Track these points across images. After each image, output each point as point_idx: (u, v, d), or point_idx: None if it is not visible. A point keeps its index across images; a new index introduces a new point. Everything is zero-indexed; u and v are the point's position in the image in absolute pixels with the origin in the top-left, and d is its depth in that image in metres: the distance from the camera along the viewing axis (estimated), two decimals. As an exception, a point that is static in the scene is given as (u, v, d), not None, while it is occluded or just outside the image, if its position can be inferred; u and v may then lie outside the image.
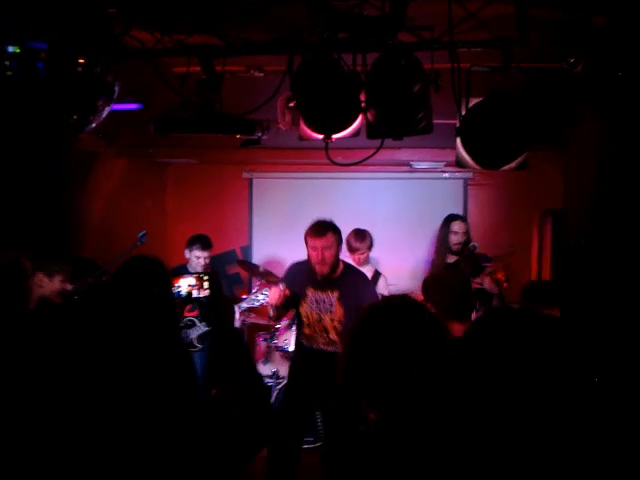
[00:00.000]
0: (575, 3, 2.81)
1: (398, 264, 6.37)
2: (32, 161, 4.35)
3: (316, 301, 4.17)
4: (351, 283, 4.15)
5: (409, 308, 1.70)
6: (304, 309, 4.21)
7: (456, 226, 5.30)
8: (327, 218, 4.17)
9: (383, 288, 5.44)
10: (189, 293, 3.25)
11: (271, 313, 4.25)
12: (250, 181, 7.14)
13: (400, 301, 1.76)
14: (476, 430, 1.49)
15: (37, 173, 4.46)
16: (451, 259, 5.34)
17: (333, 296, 4.12)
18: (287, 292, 4.12)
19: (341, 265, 4.21)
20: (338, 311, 4.10)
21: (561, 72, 3.06)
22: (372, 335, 1.64)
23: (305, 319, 4.22)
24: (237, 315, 5.08)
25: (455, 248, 5.25)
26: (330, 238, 4.02)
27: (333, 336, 4.12)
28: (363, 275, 4.38)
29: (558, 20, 2.93)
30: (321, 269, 4.03)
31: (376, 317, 1.69)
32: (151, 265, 2.51)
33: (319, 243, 3.99)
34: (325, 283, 4.13)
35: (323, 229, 4.03)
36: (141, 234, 4.85)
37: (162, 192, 7.27)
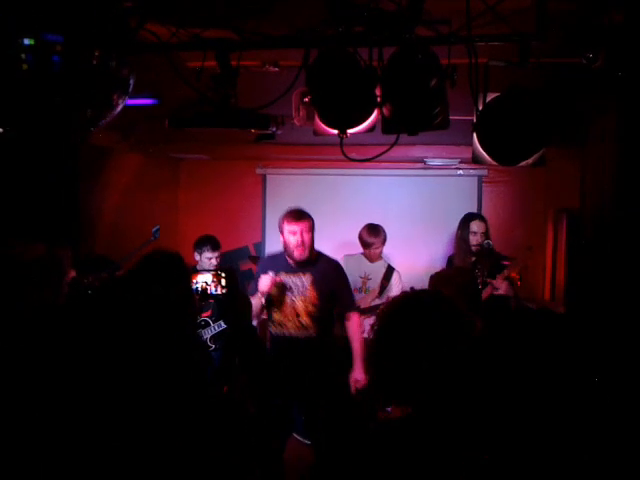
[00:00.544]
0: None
1: (411, 261, 6.34)
2: (47, 155, 4.36)
3: (289, 285, 4.26)
4: (325, 269, 4.32)
5: (440, 301, 1.67)
6: (275, 294, 4.26)
7: (475, 226, 5.22)
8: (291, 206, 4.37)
9: (396, 284, 5.42)
10: (204, 290, 3.24)
11: (262, 301, 4.22)
12: (264, 177, 7.13)
13: (430, 294, 1.73)
14: (499, 426, 1.47)
15: (51, 168, 4.47)
16: (471, 259, 5.28)
17: (307, 279, 4.25)
18: (278, 279, 4.21)
19: (315, 252, 4.34)
20: (311, 294, 4.22)
21: (580, 67, 3.02)
22: (402, 329, 1.60)
23: (277, 303, 4.28)
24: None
25: (474, 249, 5.18)
26: (308, 222, 4.21)
27: (305, 319, 4.22)
28: (337, 263, 4.50)
29: (577, 14, 2.89)
30: (300, 253, 4.17)
31: (406, 310, 1.65)
32: (170, 260, 2.50)
33: (298, 226, 4.16)
34: (299, 267, 4.26)
35: (300, 214, 4.24)
36: (155, 229, 4.86)
37: (175, 188, 7.28)
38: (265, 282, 4.17)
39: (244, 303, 2.83)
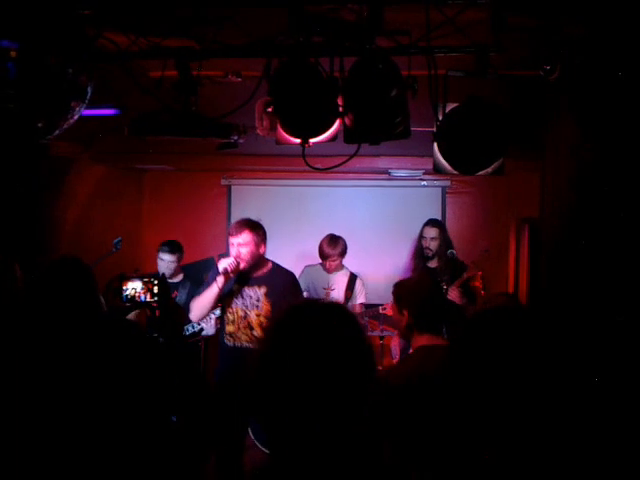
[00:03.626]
0: (551, 11, 2.83)
1: (376, 271, 6.37)
2: (4, 166, 4.28)
3: (242, 296, 4.20)
4: (280, 281, 4.23)
5: (329, 310, 1.50)
6: (229, 304, 4.22)
7: (426, 231, 5.33)
8: (254, 218, 4.30)
9: (360, 292, 5.44)
10: (133, 297, 3.18)
11: (219, 284, 4.08)
12: (228, 188, 7.11)
13: (319, 303, 1.56)
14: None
15: (10, 178, 4.39)
16: (432, 264, 5.35)
17: (260, 291, 4.18)
18: (241, 266, 4.11)
19: (269, 264, 4.30)
20: (265, 306, 4.16)
21: (538, 79, 3.08)
22: (288, 336, 1.43)
23: (230, 315, 4.23)
24: (212, 321, 5.03)
25: (425, 253, 5.27)
26: (246, 235, 4.12)
27: (258, 332, 4.13)
28: (293, 276, 4.44)
29: (535, 27, 2.95)
30: (235, 266, 4.07)
31: (293, 318, 1.49)
32: (71, 267, 2.46)
33: (234, 239, 4.12)
34: (252, 280, 4.20)
35: (239, 227, 4.16)
36: (116, 240, 4.82)
37: (139, 199, 7.21)
38: (227, 261, 4.07)
39: (176, 313, 2.78)
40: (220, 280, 4.08)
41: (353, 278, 5.47)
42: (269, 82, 2.92)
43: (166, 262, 5.05)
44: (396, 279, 6.45)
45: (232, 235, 4.15)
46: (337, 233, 5.48)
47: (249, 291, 4.20)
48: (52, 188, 5.27)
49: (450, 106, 2.97)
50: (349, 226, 6.16)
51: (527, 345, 1.67)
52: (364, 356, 1.43)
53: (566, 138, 3.30)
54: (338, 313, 1.48)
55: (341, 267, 5.48)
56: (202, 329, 5.04)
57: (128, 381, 1.93)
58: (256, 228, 4.20)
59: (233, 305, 4.22)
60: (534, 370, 1.62)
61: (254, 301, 4.19)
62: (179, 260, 5.19)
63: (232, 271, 4.07)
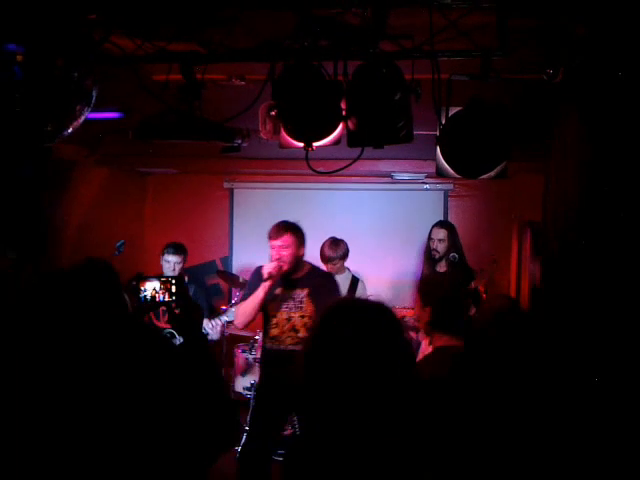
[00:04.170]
0: (556, 13, 2.84)
1: (379, 275, 6.37)
2: (9, 168, 4.29)
3: (285, 299, 4.22)
4: (320, 282, 4.27)
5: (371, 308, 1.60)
6: (272, 308, 4.23)
7: (434, 232, 5.35)
8: (293, 220, 4.30)
9: (361, 294, 5.43)
10: (153, 297, 3.18)
11: (265, 289, 4.11)
12: (231, 191, 7.12)
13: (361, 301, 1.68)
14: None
15: (15, 181, 4.41)
16: (441, 268, 5.36)
17: (303, 293, 4.21)
18: (283, 269, 4.13)
19: (308, 265, 4.34)
20: (308, 307, 4.18)
21: (542, 82, 3.08)
22: (331, 336, 1.52)
23: (273, 319, 4.24)
24: (219, 327, 5.04)
25: (432, 254, 5.29)
26: (286, 238, 4.14)
27: (303, 334, 4.13)
28: (331, 276, 4.54)
29: (538, 29, 2.96)
30: (278, 269, 4.10)
31: (334, 318, 1.57)
32: (95, 267, 2.46)
33: (275, 242, 4.14)
34: (294, 282, 4.22)
35: (279, 230, 4.18)
36: (119, 243, 4.83)
37: (142, 202, 7.22)
38: (270, 266, 4.10)
39: (196, 312, 2.79)
40: (266, 285, 4.10)
41: (355, 281, 5.46)
42: (273, 85, 2.93)
43: (172, 263, 5.05)
44: (398, 281, 6.51)
45: (273, 238, 4.16)
46: (339, 236, 5.48)
47: (291, 293, 4.23)
48: (56, 190, 5.28)
49: (453, 110, 2.97)
50: (351, 229, 6.16)
51: (529, 349, 1.68)
52: (403, 351, 1.53)
53: (570, 141, 3.31)
54: (379, 311, 1.56)
55: (343, 270, 5.48)
56: (207, 334, 5.04)
57: (152, 383, 1.95)
58: (296, 230, 4.23)
59: (276, 309, 4.23)
60: (536, 372, 1.63)
61: (297, 303, 4.21)
62: (184, 261, 5.20)
63: (276, 275, 4.10)
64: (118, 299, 2.48)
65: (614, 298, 2.90)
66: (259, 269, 4.25)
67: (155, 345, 2.46)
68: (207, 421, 2.15)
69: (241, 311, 4.31)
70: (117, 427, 2.03)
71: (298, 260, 4.22)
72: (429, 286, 3.16)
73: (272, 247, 4.16)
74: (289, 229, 4.19)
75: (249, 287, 4.35)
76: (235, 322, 4.51)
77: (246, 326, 4.53)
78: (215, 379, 2.41)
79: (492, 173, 2.96)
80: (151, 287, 3.58)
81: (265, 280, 4.08)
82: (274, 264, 4.10)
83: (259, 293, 4.13)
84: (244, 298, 4.33)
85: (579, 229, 3.29)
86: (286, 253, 4.13)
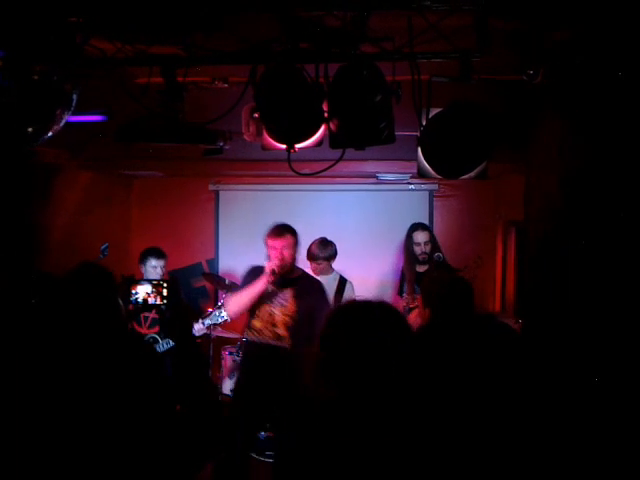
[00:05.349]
0: (535, 16, 2.86)
1: (365, 275, 6.37)
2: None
3: (273, 296, 4.38)
4: (308, 286, 4.47)
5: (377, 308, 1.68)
6: (260, 302, 4.36)
7: (418, 236, 5.37)
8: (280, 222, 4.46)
9: (349, 296, 5.43)
10: (145, 300, 3.18)
11: (265, 283, 4.23)
12: (216, 193, 7.11)
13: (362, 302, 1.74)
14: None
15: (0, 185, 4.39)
16: (421, 269, 5.39)
17: (289, 292, 4.38)
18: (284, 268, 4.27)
19: (300, 270, 4.54)
20: (291, 307, 4.35)
21: (522, 83, 3.11)
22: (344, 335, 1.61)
23: (257, 311, 4.39)
24: (204, 329, 5.07)
25: (421, 258, 5.32)
26: (288, 239, 4.32)
27: (281, 330, 4.32)
28: (320, 283, 4.65)
29: (519, 32, 2.98)
30: (280, 267, 4.24)
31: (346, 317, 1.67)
32: (96, 272, 2.47)
33: (278, 243, 4.27)
34: (284, 282, 4.36)
35: (281, 230, 4.34)
36: (103, 247, 4.82)
37: (128, 205, 7.19)
38: (273, 263, 4.22)
39: (185, 314, 2.80)
40: (268, 280, 4.23)
41: (343, 282, 5.46)
42: (255, 88, 2.94)
43: (159, 267, 5.04)
44: (383, 282, 6.51)
45: (274, 238, 4.31)
46: (325, 237, 5.49)
47: (280, 291, 4.38)
48: (40, 195, 5.25)
49: (434, 111, 2.99)
50: (337, 230, 6.15)
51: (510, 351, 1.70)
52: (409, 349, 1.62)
53: (551, 141, 3.33)
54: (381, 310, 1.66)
55: (329, 271, 5.48)
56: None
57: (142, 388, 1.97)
58: (295, 232, 4.41)
59: (263, 303, 4.37)
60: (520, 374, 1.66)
61: (282, 301, 4.37)
62: (166, 264, 5.20)
63: (279, 272, 4.23)
64: (114, 304, 2.49)
65: (596, 295, 2.93)
66: (255, 268, 4.42)
67: (141, 352, 2.47)
68: (192, 429, 2.19)
69: (235, 300, 4.46)
70: (104, 431, 2.04)
71: (294, 261, 4.40)
72: (432, 286, 3.12)
73: (273, 247, 4.30)
74: (290, 231, 4.38)
75: (243, 281, 4.48)
76: (226, 310, 4.70)
77: (237, 316, 4.65)
78: (204, 384, 2.44)
79: (472, 174, 2.99)
80: (143, 290, 3.57)
81: (269, 275, 4.21)
82: (277, 262, 4.23)
83: (258, 285, 4.25)
84: (240, 289, 4.45)
85: (561, 229, 3.31)
86: (287, 253, 4.30)
